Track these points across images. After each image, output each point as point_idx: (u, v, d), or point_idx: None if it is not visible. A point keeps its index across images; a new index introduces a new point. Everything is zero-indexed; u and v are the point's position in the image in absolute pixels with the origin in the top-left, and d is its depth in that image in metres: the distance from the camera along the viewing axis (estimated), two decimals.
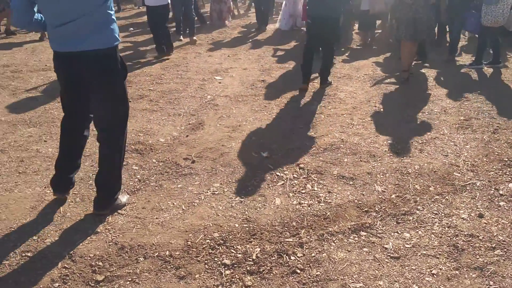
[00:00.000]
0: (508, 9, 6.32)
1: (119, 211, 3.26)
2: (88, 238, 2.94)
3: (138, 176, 3.75)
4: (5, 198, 3.38)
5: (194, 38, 8.79)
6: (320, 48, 6.15)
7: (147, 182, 3.68)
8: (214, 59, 7.62)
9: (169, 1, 7.47)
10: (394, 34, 6.43)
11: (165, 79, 6.40)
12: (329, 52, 5.85)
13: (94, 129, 3.20)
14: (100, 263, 2.71)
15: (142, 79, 6.32)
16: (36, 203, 3.32)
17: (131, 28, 10.49)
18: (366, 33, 8.73)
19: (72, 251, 2.80)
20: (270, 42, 9.05)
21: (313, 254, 2.80)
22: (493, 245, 2.87)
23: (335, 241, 2.92)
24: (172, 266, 2.71)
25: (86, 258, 2.76)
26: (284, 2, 10.19)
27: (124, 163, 3.84)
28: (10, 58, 7.68)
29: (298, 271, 2.66)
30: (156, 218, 3.19)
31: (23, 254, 2.77)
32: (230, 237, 2.97)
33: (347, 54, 8.09)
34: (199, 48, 8.49)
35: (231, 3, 11.20)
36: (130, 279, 2.60)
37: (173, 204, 3.38)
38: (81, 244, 2.88)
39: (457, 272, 2.65)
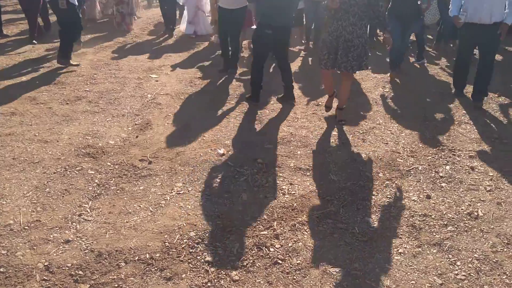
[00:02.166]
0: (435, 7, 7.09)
1: (85, 217, 3.18)
2: (61, 247, 2.85)
3: (96, 181, 3.66)
4: None
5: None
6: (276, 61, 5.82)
7: (107, 186, 3.60)
8: (144, 57, 7.46)
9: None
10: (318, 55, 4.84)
11: (98, 79, 6.18)
12: (287, 63, 5.44)
13: None
14: (81, 272, 2.66)
15: (75, 80, 6.06)
16: None
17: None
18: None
19: (47, 263, 2.71)
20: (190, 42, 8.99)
21: (290, 244, 2.95)
22: (445, 223, 3.21)
23: (307, 230, 3.10)
24: (156, 268, 2.72)
25: (64, 268, 2.68)
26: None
27: (78, 168, 3.76)
28: None
29: (280, 261, 2.80)
30: (127, 221, 3.15)
31: None
32: (207, 235, 3.03)
33: None
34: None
35: (133, 3, 9.59)
36: (116, 285, 2.58)
37: (140, 206, 3.35)
38: (55, 254, 2.79)
39: (419, 249, 2.94)
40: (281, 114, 5.13)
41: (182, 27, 9.12)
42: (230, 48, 6.55)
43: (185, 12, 8.96)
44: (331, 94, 5.02)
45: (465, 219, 3.27)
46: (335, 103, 5.02)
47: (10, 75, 6.18)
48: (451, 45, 8.06)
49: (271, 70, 6.77)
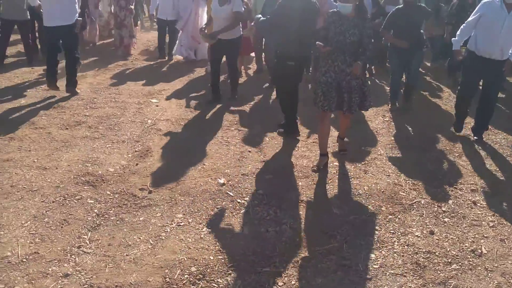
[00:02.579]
0: None
1: (84, 249, 3.12)
2: (60, 281, 2.79)
3: (96, 211, 3.61)
4: None
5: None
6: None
7: (106, 216, 3.55)
8: (144, 81, 7.46)
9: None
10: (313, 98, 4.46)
11: (98, 103, 6.16)
12: (298, 94, 5.21)
13: None
14: None
15: (75, 104, 6.03)
16: None
17: None
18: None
19: None
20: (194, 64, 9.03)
21: (293, 282, 2.90)
22: (449, 260, 3.17)
23: (310, 267, 3.05)
24: None
25: None
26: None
27: (77, 197, 3.72)
28: None
29: None
30: (126, 255, 3.09)
31: None
32: (208, 270, 2.98)
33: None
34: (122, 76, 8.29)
35: (133, 27, 9.58)
36: None
37: (140, 238, 3.30)
38: None
39: None
40: (280, 141, 5.11)
41: (176, 50, 8.95)
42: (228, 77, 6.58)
43: (180, 36, 8.84)
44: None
45: (469, 256, 3.23)
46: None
47: (8, 98, 6.16)
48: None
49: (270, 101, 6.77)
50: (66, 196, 3.78)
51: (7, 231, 3.26)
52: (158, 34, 9.17)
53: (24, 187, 3.87)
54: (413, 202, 3.94)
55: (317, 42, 4.20)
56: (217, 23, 6.07)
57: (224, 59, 6.48)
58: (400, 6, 6.08)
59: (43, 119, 5.44)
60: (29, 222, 3.38)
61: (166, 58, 9.11)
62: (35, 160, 4.37)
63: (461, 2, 7.58)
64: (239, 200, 3.86)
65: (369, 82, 4.60)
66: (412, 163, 4.69)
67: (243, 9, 6.14)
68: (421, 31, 6.21)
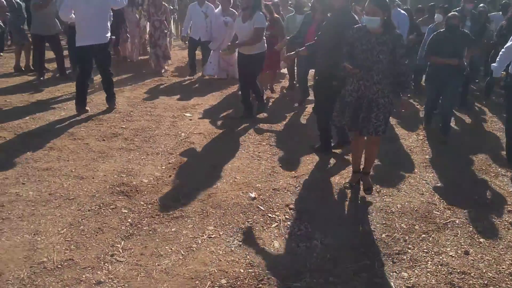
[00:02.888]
0: None
1: (117, 258, 3.18)
2: None
3: (129, 220, 3.68)
4: None
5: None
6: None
7: (139, 226, 3.61)
8: (178, 96, 7.61)
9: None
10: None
11: (134, 116, 6.33)
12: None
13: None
14: None
15: (112, 117, 6.21)
16: (29, 252, 3.16)
17: None
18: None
19: None
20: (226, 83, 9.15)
21: None
22: (485, 282, 3.07)
23: (341, 284, 3.01)
24: None
25: None
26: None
27: (112, 206, 3.80)
28: None
29: None
30: (158, 264, 3.14)
31: None
32: (238, 283, 2.98)
33: None
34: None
35: (168, 47, 9.98)
36: None
37: (171, 249, 3.34)
38: None
39: None
40: (313, 157, 5.10)
41: (207, 70, 8.94)
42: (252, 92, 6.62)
43: (212, 55, 8.83)
44: (358, 170, 4.37)
45: (507, 279, 3.13)
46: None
47: (50, 110, 6.40)
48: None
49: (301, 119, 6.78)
50: (101, 205, 3.87)
51: (44, 237, 3.37)
52: (189, 52, 9.27)
53: (62, 195, 3.99)
54: (448, 221, 3.85)
55: (344, 64, 3.98)
56: (240, 40, 6.19)
57: None
58: (442, 30, 5.91)
59: (81, 131, 5.62)
60: (65, 230, 3.48)
61: (194, 76, 9.21)
62: (73, 170, 4.50)
63: (511, 22, 7.38)
64: (270, 215, 3.86)
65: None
66: (446, 183, 4.60)
67: (265, 25, 6.17)
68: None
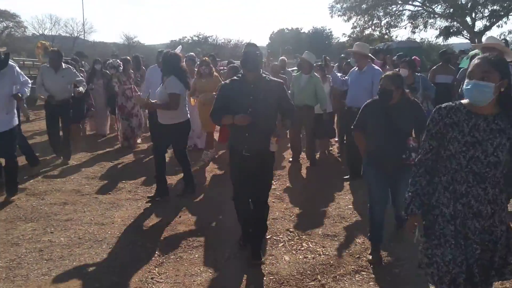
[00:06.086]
0: None
1: (157, 279, 3.75)
2: None
3: (157, 252, 4.26)
4: (44, 283, 3.68)
5: None
6: None
7: (167, 256, 4.19)
8: None
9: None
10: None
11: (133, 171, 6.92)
12: None
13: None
14: None
15: (113, 173, 6.78)
16: (82, 281, 3.68)
17: None
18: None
19: None
20: None
21: None
22: None
23: (347, 280, 3.72)
24: None
25: None
26: None
27: (138, 243, 4.37)
28: None
29: None
30: (194, 281, 3.73)
31: None
32: (265, 287, 3.62)
33: None
34: None
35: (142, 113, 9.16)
36: None
37: (200, 269, 3.94)
38: None
39: None
40: (300, 194, 5.87)
41: None
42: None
43: None
44: None
45: None
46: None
47: (53, 173, 6.90)
48: None
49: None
50: (128, 243, 4.43)
51: (89, 270, 3.89)
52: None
53: (91, 238, 4.52)
54: None
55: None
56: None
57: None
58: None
59: (86, 187, 6.16)
60: (104, 263, 4.01)
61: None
62: (92, 218, 5.04)
63: None
64: (274, 237, 4.55)
65: None
66: None
67: (177, 92, 5.35)
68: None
